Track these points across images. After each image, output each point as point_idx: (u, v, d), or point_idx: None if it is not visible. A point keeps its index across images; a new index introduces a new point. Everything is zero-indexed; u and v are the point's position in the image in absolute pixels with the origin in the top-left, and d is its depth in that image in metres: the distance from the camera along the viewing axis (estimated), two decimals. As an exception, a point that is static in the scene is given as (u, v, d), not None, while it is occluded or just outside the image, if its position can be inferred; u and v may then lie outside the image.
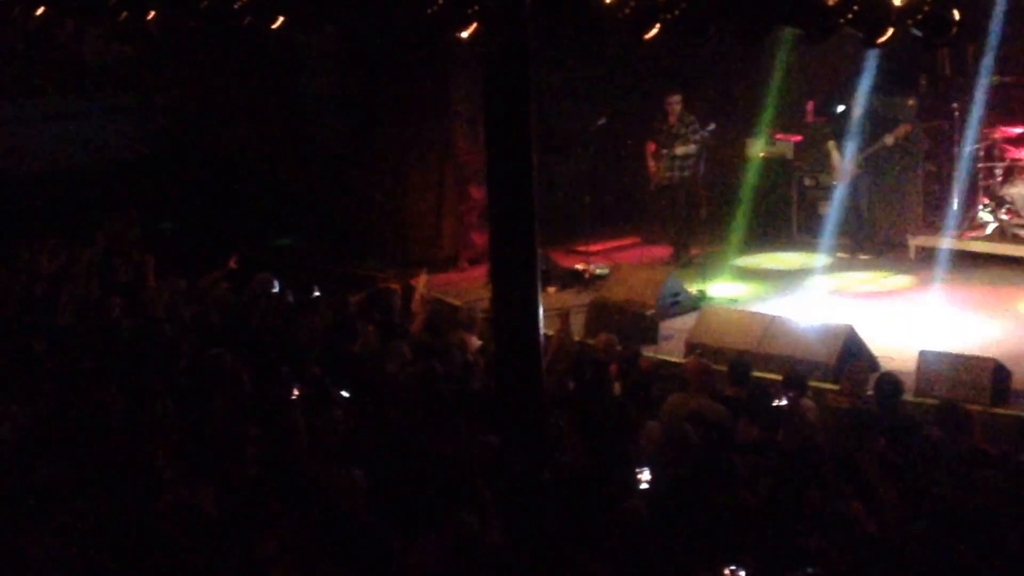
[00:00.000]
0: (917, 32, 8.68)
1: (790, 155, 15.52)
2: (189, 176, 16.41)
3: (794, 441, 8.77)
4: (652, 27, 9.65)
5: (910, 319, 12.48)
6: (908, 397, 10.22)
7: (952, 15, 8.59)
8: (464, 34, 10.96)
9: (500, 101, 6.85)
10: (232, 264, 12.68)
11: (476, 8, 10.36)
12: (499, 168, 6.90)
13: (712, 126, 14.47)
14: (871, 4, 8.67)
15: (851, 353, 11.15)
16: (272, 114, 16.18)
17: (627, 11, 9.73)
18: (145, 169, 16.40)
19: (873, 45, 9.06)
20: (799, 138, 15.54)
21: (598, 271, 14.29)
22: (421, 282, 12.67)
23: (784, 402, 9.47)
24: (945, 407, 9.05)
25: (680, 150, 14.48)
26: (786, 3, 8.99)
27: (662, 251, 15.16)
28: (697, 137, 14.43)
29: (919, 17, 8.60)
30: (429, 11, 10.70)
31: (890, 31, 8.71)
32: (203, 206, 16.13)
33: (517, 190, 6.80)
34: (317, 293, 12.51)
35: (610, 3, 9.95)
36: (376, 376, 10.06)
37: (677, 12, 9.34)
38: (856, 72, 14.23)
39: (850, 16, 8.77)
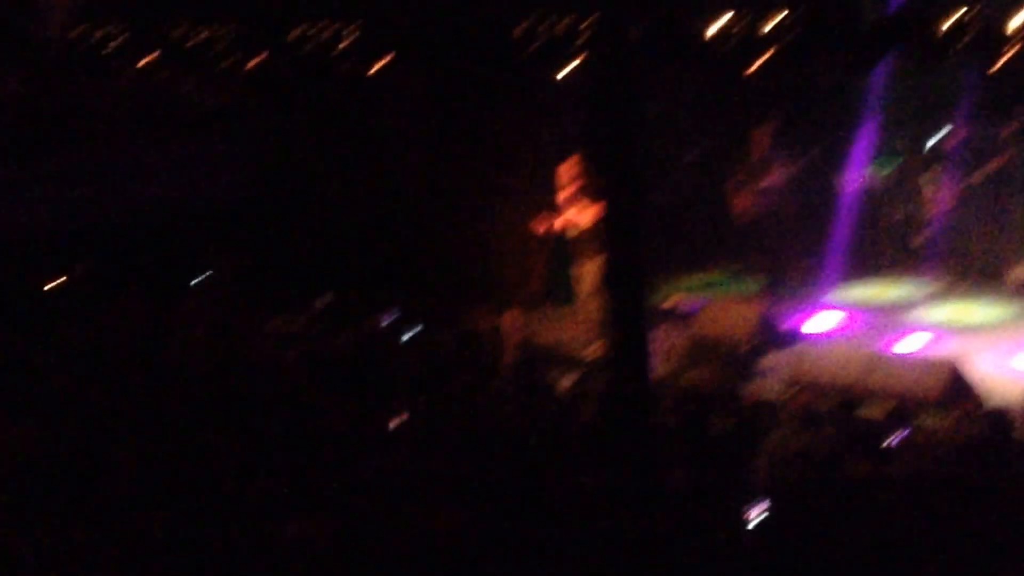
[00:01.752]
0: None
1: (883, 186, 15.28)
2: (280, 220, 16.46)
3: (909, 478, 8.56)
4: (757, 59, 9.55)
5: (1013, 353, 12.21)
6: (1021, 433, 9.99)
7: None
8: (560, 75, 10.95)
9: (608, 140, 6.78)
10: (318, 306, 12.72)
11: (576, 47, 10.35)
12: (611, 211, 6.84)
13: (805, 158, 14.29)
14: (985, 32, 8.52)
15: (957, 388, 10.94)
16: (362, 156, 16.20)
17: (733, 43, 9.65)
18: (238, 215, 16.48)
19: (986, 71, 8.89)
20: (891, 169, 15.30)
21: (690, 307, 14.13)
22: (510, 322, 12.60)
23: (894, 439, 9.25)
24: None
25: (765, 183, 14.31)
26: (897, 29, 8.85)
27: (753, 286, 14.97)
28: (784, 170, 14.26)
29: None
30: (529, 50, 10.68)
31: (1004, 57, 8.55)
32: (291, 249, 16.18)
33: (627, 232, 6.73)
34: (411, 332, 12.52)
35: (712, 36, 9.89)
36: (473, 415, 10.02)
37: (788, 40, 9.22)
38: (953, 99, 14.03)
39: (964, 41, 8.62)
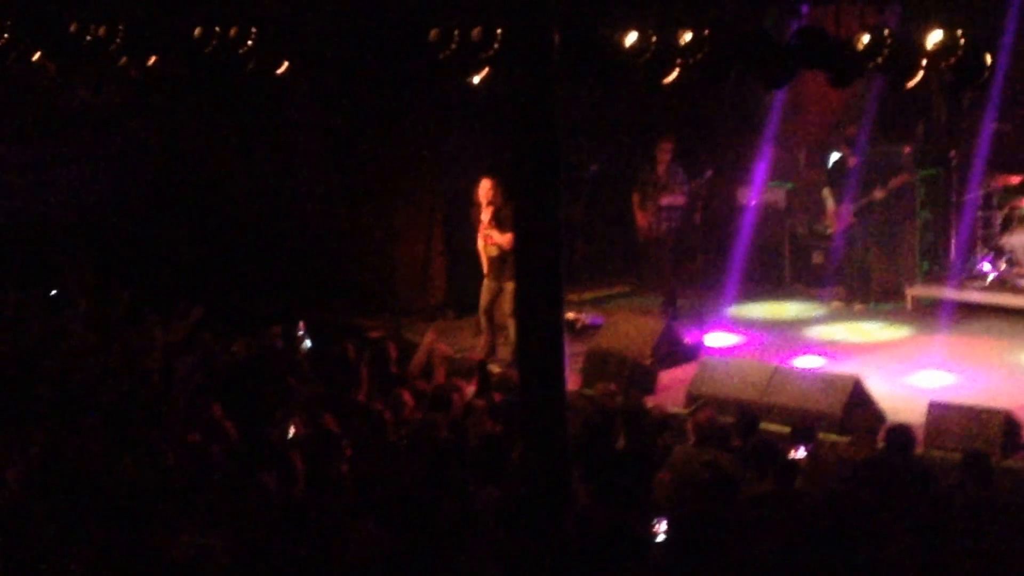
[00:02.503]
0: (948, 76, 8.55)
1: (783, 203, 15.39)
2: (173, 223, 16.14)
3: (813, 493, 8.55)
4: (671, 72, 9.50)
5: (911, 370, 12.31)
6: (918, 449, 10.05)
7: (984, 59, 8.48)
8: (476, 79, 10.81)
9: (526, 147, 6.66)
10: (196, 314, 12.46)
11: (490, 52, 10.22)
12: (526, 217, 6.71)
13: (708, 173, 14.34)
14: (901, 48, 8.53)
15: (857, 404, 10.98)
16: (258, 159, 15.94)
17: (647, 55, 9.59)
18: (129, 215, 16.13)
19: (902, 89, 8.92)
20: (792, 186, 15.41)
21: (590, 321, 14.08)
22: (429, 339, 12.43)
23: (799, 453, 9.23)
24: (971, 458, 8.83)
25: (666, 201, 14.30)
26: (812, 47, 8.85)
27: (654, 300, 14.96)
28: (685, 188, 14.27)
29: (951, 61, 8.48)
30: (441, 56, 10.52)
31: (919, 75, 8.58)
32: (186, 253, 15.87)
33: (544, 239, 6.61)
34: (309, 343, 12.34)
35: (630, 46, 9.82)
36: (378, 426, 9.86)
37: (700, 56, 9.18)
38: (852, 119, 14.14)
39: (879, 60, 8.64)
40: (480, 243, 13.29)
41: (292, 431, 9.47)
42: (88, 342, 11.72)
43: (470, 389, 11.23)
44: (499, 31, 10.21)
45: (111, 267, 14.61)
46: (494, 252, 13.12)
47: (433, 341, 12.21)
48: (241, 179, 16.01)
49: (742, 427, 9.98)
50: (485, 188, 13.14)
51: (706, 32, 9.57)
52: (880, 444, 9.81)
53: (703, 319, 13.90)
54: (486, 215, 13.13)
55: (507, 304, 13.06)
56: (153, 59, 13.41)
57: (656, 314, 14.15)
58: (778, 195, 15.42)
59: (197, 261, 15.45)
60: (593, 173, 14.56)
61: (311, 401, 10.05)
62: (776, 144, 15.09)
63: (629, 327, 13.10)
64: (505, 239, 12.82)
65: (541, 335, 6.74)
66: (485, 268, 13.30)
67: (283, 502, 8.07)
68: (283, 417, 9.63)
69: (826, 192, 14.52)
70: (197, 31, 12.69)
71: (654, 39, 9.88)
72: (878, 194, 14.12)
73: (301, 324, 12.46)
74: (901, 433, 9.55)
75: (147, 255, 15.63)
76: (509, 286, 12.95)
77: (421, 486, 8.50)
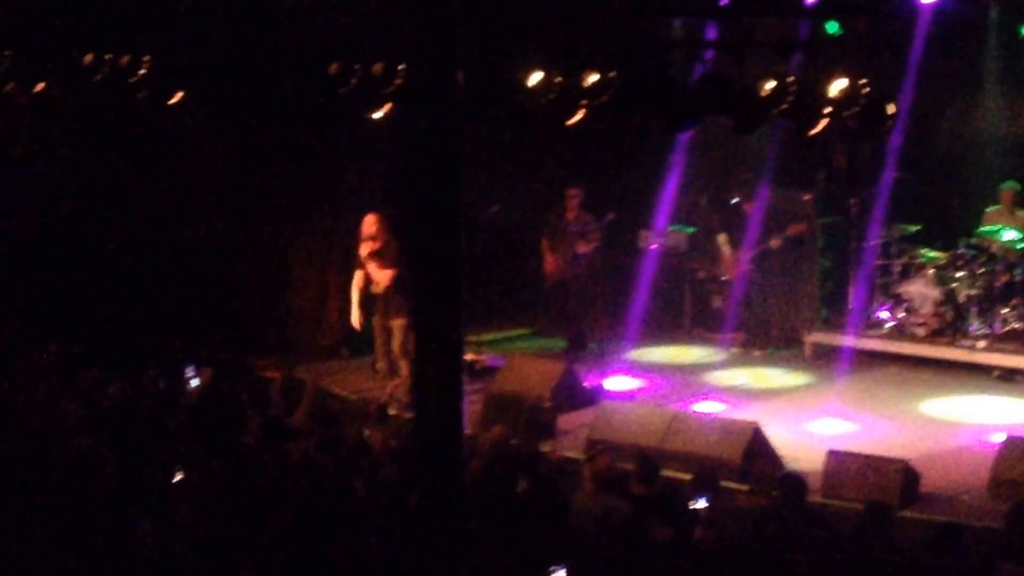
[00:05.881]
0: (851, 125, 8.55)
1: (684, 247, 15.38)
2: (61, 255, 15.66)
3: (713, 543, 8.43)
4: (576, 113, 9.41)
5: (810, 417, 12.30)
6: (816, 498, 10.02)
7: (887, 108, 8.50)
8: (377, 115, 10.64)
9: (427, 185, 6.49)
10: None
11: (392, 88, 10.06)
12: (425, 257, 6.54)
13: (610, 216, 14.29)
14: (805, 95, 8.53)
15: (757, 452, 10.94)
16: (149, 190, 15.55)
17: (551, 96, 9.50)
18: (11, 245, 15.62)
19: (805, 136, 8.90)
20: (694, 230, 15.41)
21: (489, 362, 13.91)
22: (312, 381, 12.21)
23: (700, 502, 9.11)
24: (872, 508, 8.78)
25: (582, 249, 14.26)
26: (717, 93, 8.80)
27: (554, 343, 14.85)
28: (595, 234, 14.23)
29: (854, 110, 8.49)
30: (342, 91, 10.34)
31: (823, 123, 8.57)
32: (72, 286, 15.41)
33: (442, 278, 6.44)
34: (196, 381, 12.04)
35: (535, 87, 9.72)
36: (262, 470, 9.58)
37: (604, 99, 9.10)
38: (750, 165, 14.17)
39: (783, 107, 8.63)
40: (357, 280, 13.09)
41: (176, 476, 9.14)
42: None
43: (366, 432, 11.01)
44: (401, 67, 10.05)
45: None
46: (379, 289, 12.95)
47: (317, 382, 12.00)
48: (133, 211, 15.60)
49: (643, 473, 9.86)
50: (369, 223, 12.99)
51: (611, 74, 9.51)
52: (777, 493, 9.76)
53: (604, 363, 13.82)
54: (365, 249, 12.96)
55: (396, 343, 12.90)
56: (41, 86, 13.04)
57: (558, 357, 14.04)
58: (679, 239, 15.40)
59: (84, 294, 15.01)
60: (494, 214, 14.44)
61: (195, 445, 9.73)
62: (679, 188, 15.06)
63: (529, 370, 12.97)
64: (384, 275, 12.76)
65: (438, 377, 6.56)
66: (356, 307, 13.07)
67: (161, 553, 7.76)
68: (164, 462, 9.27)
69: (722, 238, 14.54)
70: (88, 58, 12.38)
71: (559, 80, 9.81)
72: (774, 242, 14.16)
73: (190, 363, 12.16)
74: (794, 481, 9.50)
75: (34, 288, 15.17)
76: (396, 323, 12.85)
77: (309, 535, 8.28)
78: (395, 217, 12.97)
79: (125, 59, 12.12)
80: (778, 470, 10.61)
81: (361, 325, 13.20)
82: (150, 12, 12.62)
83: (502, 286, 15.75)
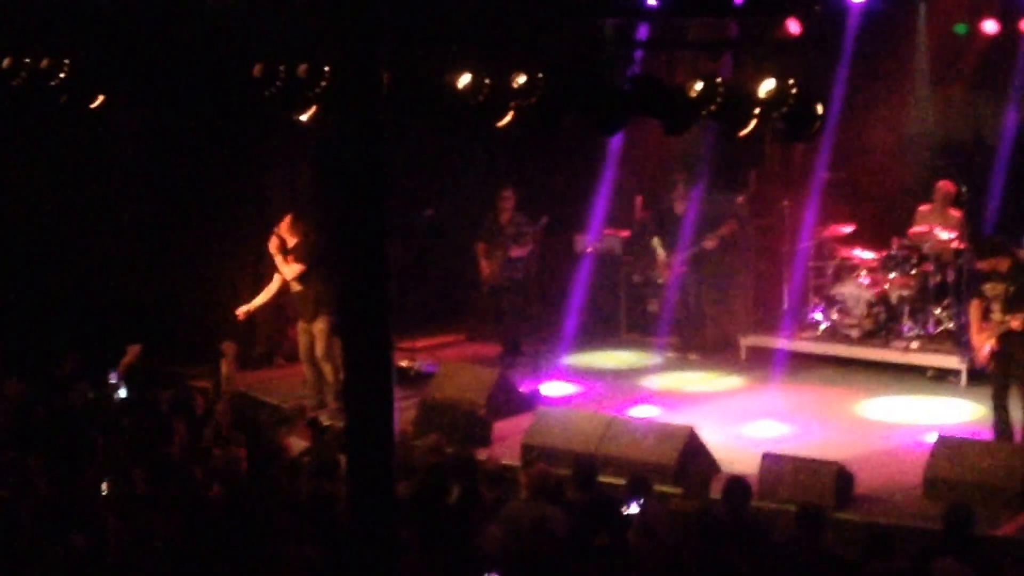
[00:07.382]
0: (780, 125, 8.51)
1: (618, 250, 15.32)
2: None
3: (646, 547, 8.35)
4: (505, 115, 9.31)
5: (744, 420, 12.27)
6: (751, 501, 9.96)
7: (816, 109, 8.47)
8: (304, 117, 10.48)
9: (351, 187, 6.35)
10: None
11: (318, 90, 9.89)
12: (350, 260, 6.40)
13: (544, 220, 14.21)
14: (734, 97, 8.48)
15: (692, 455, 10.89)
16: (74, 195, 15.24)
17: (480, 98, 9.39)
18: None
19: (735, 138, 8.85)
20: (627, 233, 15.34)
21: (424, 369, 13.76)
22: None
23: (633, 507, 9.03)
24: (805, 511, 8.71)
25: (516, 252, 14.17)
26: (646, 94, 8.73)
27: (489, 349, 14.73)
28: (529, 237, 14.14)
29: (783, 110, 8.45)
30: (267, 92, 10.16)
31: (752, 124, 8.52)
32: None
33: (370, 283, 6.31)
34: (124, 392, 11.82)
35: (463, 88, 9.61)
36: (190, 483, 9.42)
37: (533, 100, 9.00)
38: (684, 167, 14.14)
39: (712, 108, 8.57)
40: (275, 283, 13.00)
41: (105, 489, 8.98)
42: None
43: (293, 440, 10.86)
44: (327, 68, 9.90)
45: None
46: (297, 287, 12.81)
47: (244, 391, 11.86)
48: (57, 219, 15.28)
49: (579, 480, 9.77)
50: (285, 223, 12.93)
51: (540, 76, 9.43)
52: (713, 496, 9.70)
53: (539, 368, 13.73)
54: (274, 245, 12.88)
55: (319, 347, 12.77)
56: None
57: (492, 363, 13.92)
58: (614, 242, 15.33)
59: (3, 303, 14.69)
60: (426, 218, 14.31)
61: (121, 456, 9.55)
62: (612, 191, 15.00)
63: (463, 376, 12.87)
64: (291, 270, 12.78)
65: (369, 383, 6.42)
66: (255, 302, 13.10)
67: (93, 565, 7.62)
68: (94, 473, 9.11)
69: (655, 241, 14.48)
70: (6, 62, 12.13)
71: (487, 81, 9.71)
72: (709, 243, 14.10)
73: (116, 372, 11.95)
74: (739, 485, 9.42)
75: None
76: (319, 327, 12.74)
77: (235, 545, 8.14)
78: (323, 220, 12.83)
79: (44, 62, 11.86)
80: (714, 473, 10.57)
81: (244, 316, 13.25)
82: (69, 14, 12.37)
83: (436, 291, 15.63)
